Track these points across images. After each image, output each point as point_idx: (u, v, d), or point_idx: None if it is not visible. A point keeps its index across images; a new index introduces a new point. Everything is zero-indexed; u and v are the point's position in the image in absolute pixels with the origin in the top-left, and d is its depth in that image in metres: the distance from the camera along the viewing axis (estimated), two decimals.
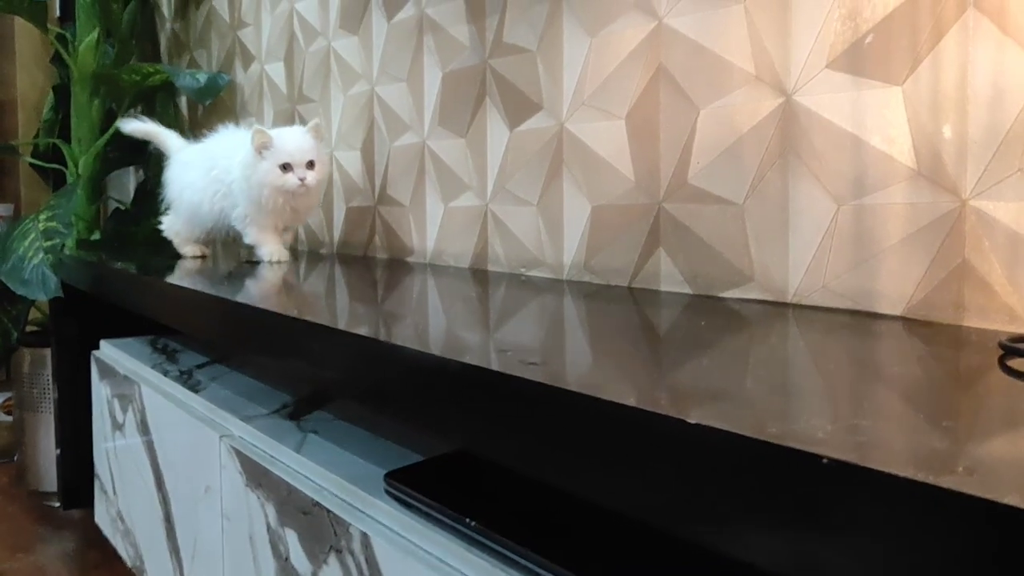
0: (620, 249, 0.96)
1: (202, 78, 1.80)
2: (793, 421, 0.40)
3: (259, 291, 1.06)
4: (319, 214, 1.61)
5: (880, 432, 0.39)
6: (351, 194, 1.50)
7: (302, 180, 1.24)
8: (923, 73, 0.68)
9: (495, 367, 0.53)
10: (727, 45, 0.83)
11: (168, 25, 2.23)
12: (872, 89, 0.72)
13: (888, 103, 0.71)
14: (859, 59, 0.73)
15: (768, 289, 0.81)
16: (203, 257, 1.50)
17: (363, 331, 0.68)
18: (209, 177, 1.35)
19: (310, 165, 1.25)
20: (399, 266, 1.29)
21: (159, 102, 2.15)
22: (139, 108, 2.29)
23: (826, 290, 0.76)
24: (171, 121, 2.16)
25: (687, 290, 0.89)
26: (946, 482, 0.31)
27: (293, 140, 1.24)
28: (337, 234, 1.55)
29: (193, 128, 2.13)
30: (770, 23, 0.79)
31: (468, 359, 0.56)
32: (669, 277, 0.91)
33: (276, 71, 1.72)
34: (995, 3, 0.64)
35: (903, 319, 0.70)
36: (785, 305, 0.79)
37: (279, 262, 1.33)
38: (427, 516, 0.68)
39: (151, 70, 1.85)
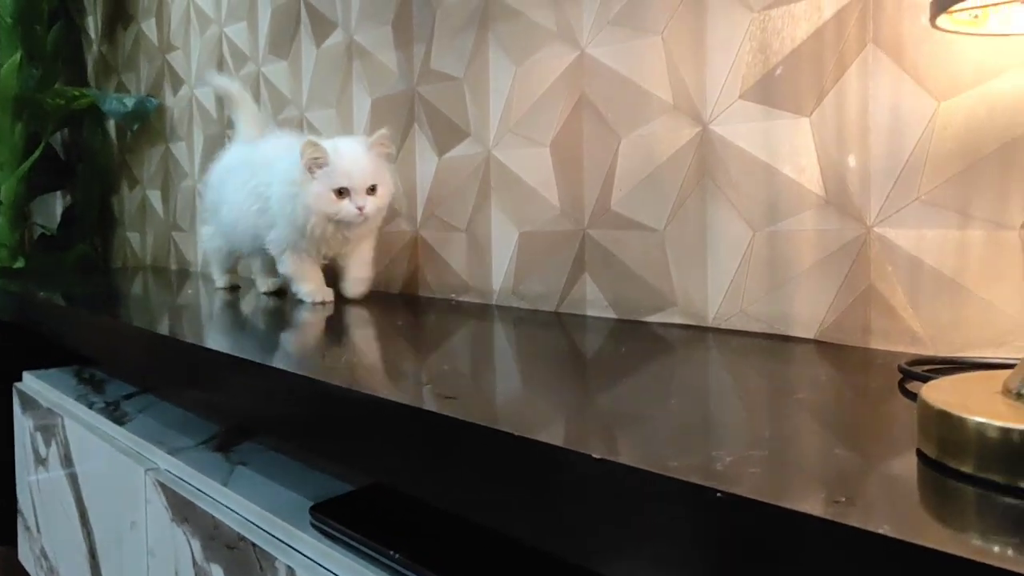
0: (547, 274, 0.97)
1: (129, 102, 1.77)
2: (696, 453, 0.41)
3: (183, 321, 1.04)
4: None
5: (775, 462, 0.40)
6: None
7: (360, 209, 1.00)
8: (829, 105, 0.71)
9: (406, 401, 0.53)
10: (646, 75, 0.85)
11: (95, 47, 2.19)
12: (782, 119, 0.74)
13: (797, 133, 0.73)
14: (770, 90, 0.75)
15: (689, 314, 0.83)
16: (235, 288, 1.34)
17: (280, 364, 0.68)
18: (247, 189, 1.14)
19: (371, 190, 1.02)
20: None
21: (87, 125, 2.11)
22: (66, 131, 2.24)
23: (744, 314, 0.78)
24: (99, 145, 2.12)
25: (612, 315, 0.90)
26: (827, 512, 0.33)
27: (353, 158, 1.01)
28: None
29: (122, 153, 2.09)
30: (686, 54, 0.82)
31: (384, 393, 0.56)
32: (594, 302, 0.92)
33: (206, 95, 1.71)
34: (892, 40, 0.67)
35: (816, 342, 0.72)
36: (705, 329, 0.81)
37: (322, 303, 1.10)
38: (351, 548, 0.67)
39: (76, 94, 1.81)
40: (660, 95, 0.84)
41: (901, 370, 0.57)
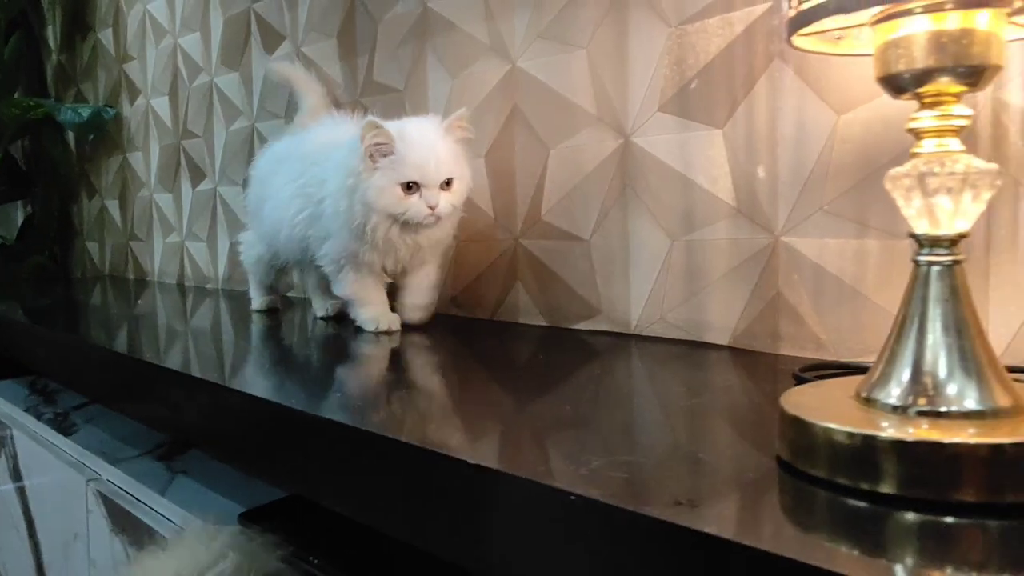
0: (483, 283, 0.99)
1: (85, 112, 1.77)
2: (568, 457, 0.43)
3: (129, 334, 1.05)
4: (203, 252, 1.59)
5: (639, 467, 0.41)
6: (234, 229, 1.49)
7: (432, 208, 0.82)
8: (740, 117, 0.73)
9: (298, 407, 0.55)
10: (573, 88, 0.87)
11: (54, 57, 2.18)
12: (697, 131, 0.76)
13: (711, 145, 0.75)
14: (686, 103, 0.77)
15: (614, 321, 0.85)
16: (275, 310, 1.14)
17: (208, 376, 0.69)
18: (294, 188, 0.94)
19: (446, 184, 0.83)
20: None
21: (45, 135, 2.10)
22: (26, 141, 2.23)
23: (664, 322, 0.80)
24: (59, 154, 2.12)
25: (543, 322, 0.92)
26: (666, 514, 0.34)
27: (425, 145, 0.82)
28: (222, 270, 1.54)
29: (81, 162, 2.09)
30: (609, 67, 0.83)
31: (294, 404, 0.57)
32: (527, 310, 0.94)
33: (161, 105, 1.71)
34: (796, 55, 0.69)
35: (729, 348, 0.74)
36: (629, 336, 0.82)
37: (388, 332, 0.90)
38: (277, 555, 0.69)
39: (32, 104, 1.81)
40: (585, 107, 0.86)
41: (795, 377, 0.59)
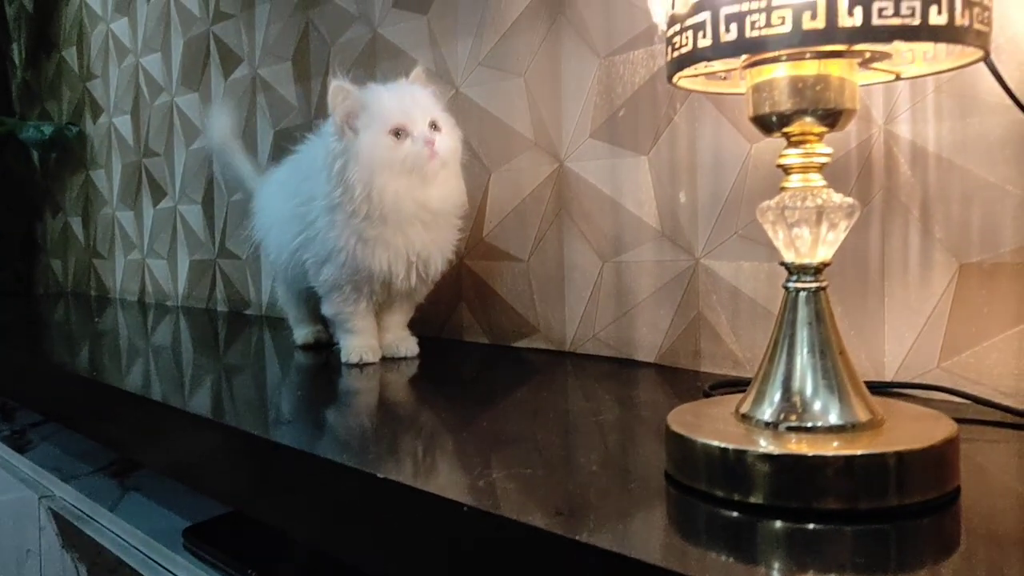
0: (429, 302, 1.01)
1: (47, 130, 1.79)
2: (469, 471, 0.46)
3: (76, 354, 1.07)
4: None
5: (533, 479, 0.44)
6: (194, 247, 1.51)
7: (431, 144, 0.77)
8: (663, 144, 0.77)
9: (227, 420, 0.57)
10: (511, 114, 0.91)
11: (20, 74, 2.19)
12: (625, 158, 0.80)
13: (638, 170, 0.79)
14: (615, 130, 0.81)
15: (550, 339, 0.88)
16: (319, 345, 0.98)
17: (161, 398, 0.71)
18: (290, 207, 0.87)
19: (434, 127, 0.79)
20: (236, 319, 1.31)
21: (10, 152, 2.11)
22: None
23: (596, 340, 0.83)
24: (24, 172, 2.12)
25: (485, 340, 0.95)
26: (537, 521, 0.37)
27: (399, 92, 0.80)
28: (181, 287, 1.56)
29: (45, 179, 2.10)
30: (545, 95, 0.87)
31: (231, 422, 0.60)
32: (470, 328, 0.97)
33: (123, 124, 1.73)
34: None
35: (655, 366, 0.77)
36: (564, 354, 0.85)
37: (364, 363, 0.85)
38: (216, 568, 0.71)
39: None
40: (523, 132, 0.89)
41: (704, 393, 0.62)
